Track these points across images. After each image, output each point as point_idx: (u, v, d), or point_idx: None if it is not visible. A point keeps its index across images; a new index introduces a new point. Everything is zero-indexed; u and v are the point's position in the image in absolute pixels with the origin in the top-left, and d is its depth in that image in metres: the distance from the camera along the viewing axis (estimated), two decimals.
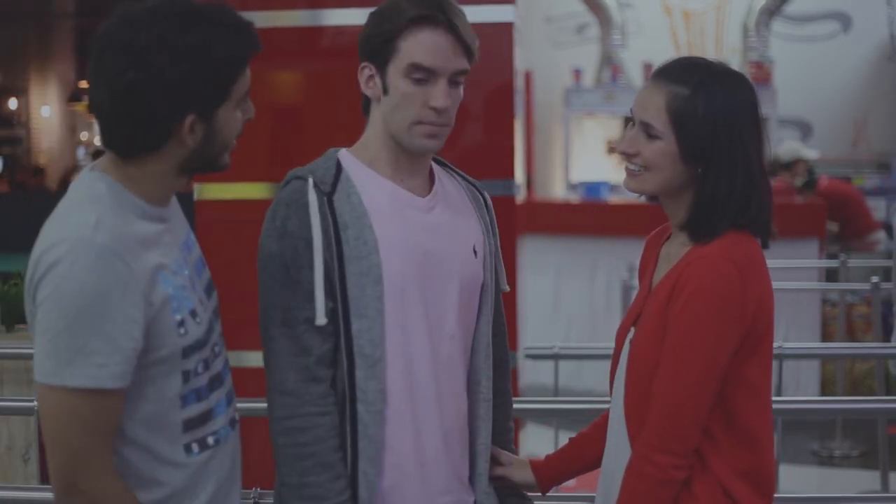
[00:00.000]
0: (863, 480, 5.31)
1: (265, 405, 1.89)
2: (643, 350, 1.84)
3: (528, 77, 8.72)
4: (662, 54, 2.60)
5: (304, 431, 1.81)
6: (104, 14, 1.65)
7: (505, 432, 2.10)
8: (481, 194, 2.04)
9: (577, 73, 9.60)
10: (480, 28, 2.00)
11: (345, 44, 3.59)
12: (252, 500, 2.38)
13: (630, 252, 5.49)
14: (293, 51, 3.63)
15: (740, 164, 1.81)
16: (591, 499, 2.07)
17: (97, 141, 16.73)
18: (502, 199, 3.38)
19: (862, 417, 5.34)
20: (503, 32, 3.58)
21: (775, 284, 1.87)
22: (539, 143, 9.92)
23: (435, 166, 1.99)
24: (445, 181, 1.99)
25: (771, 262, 1.89)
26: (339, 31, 3.63)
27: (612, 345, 1.97)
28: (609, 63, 9.37)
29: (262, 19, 3.49)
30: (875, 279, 5.09)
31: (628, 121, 1.92)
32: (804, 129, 10.28)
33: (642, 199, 1.92)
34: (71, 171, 16.86)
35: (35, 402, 2.61)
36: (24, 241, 2.12)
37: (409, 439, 1.86)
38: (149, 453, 1.66)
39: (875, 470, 4.77)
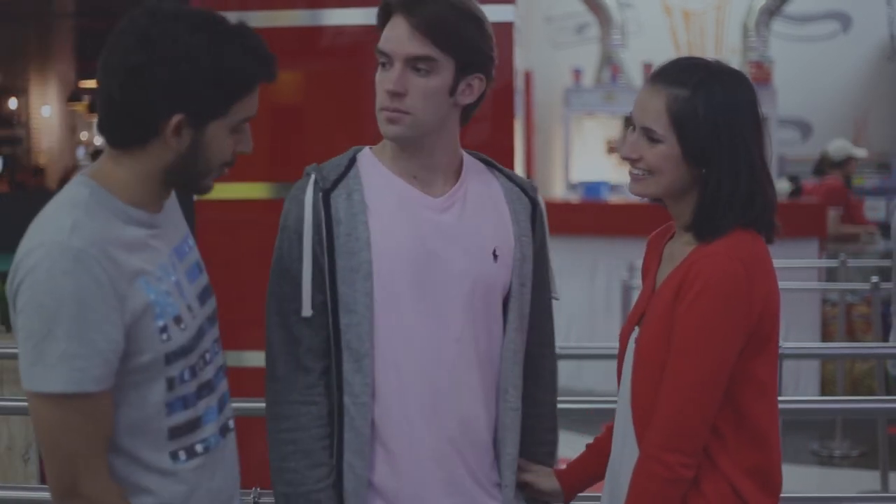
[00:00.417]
0: (863, 480, 5.30)
1: (265, 405, 1.91)
2: (649, 350, 1.84)
3: (528, 77, 8.72)
4: (662, 54, 2.60)
5: (287, 419, 1.86)
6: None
7: (539, 444, 2.05)
8: (529, 197, 1.99)
9: (577, 73, 9.59)
10: None
11: (345, 44, 3.59)
12: (252, 500, 2.38)
13: (630, 252, 5.51)
14: (293, 51, 3.62)
15: (742, 163, 1.81)
16: (597, 499, 2.06)
17: (97, 141, 16.74)
18: None
19: (862, 417, 5.34)
20: (503, 32, 3.57)
21: None
22: (539, 143, 9.91)
23: (472, 165, 1.95)
24: (474, 181, 1.93)
25: None
26: (339, 31, 3.62)
27: (613, 344, 1.97)
28: (609, 63, 9.37)
29: (262, 19, 3.49)
30: (875, 279, 5.08)
31: (628, 121, 1.91)
32: (804, 129, 10.28)
33: (644, 200, 1.92)
34: (71, 171, 16.82)
35: None
36: None
37: (403, 438, 1.85)
38: (134, 460, 1.64)
39: (875, 470, 4.78)
